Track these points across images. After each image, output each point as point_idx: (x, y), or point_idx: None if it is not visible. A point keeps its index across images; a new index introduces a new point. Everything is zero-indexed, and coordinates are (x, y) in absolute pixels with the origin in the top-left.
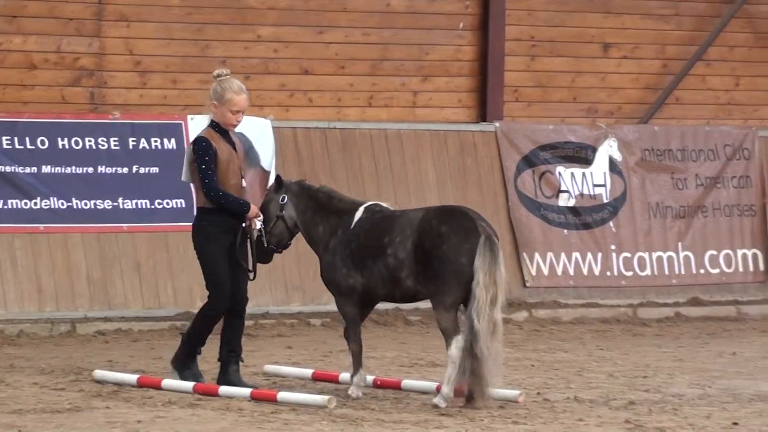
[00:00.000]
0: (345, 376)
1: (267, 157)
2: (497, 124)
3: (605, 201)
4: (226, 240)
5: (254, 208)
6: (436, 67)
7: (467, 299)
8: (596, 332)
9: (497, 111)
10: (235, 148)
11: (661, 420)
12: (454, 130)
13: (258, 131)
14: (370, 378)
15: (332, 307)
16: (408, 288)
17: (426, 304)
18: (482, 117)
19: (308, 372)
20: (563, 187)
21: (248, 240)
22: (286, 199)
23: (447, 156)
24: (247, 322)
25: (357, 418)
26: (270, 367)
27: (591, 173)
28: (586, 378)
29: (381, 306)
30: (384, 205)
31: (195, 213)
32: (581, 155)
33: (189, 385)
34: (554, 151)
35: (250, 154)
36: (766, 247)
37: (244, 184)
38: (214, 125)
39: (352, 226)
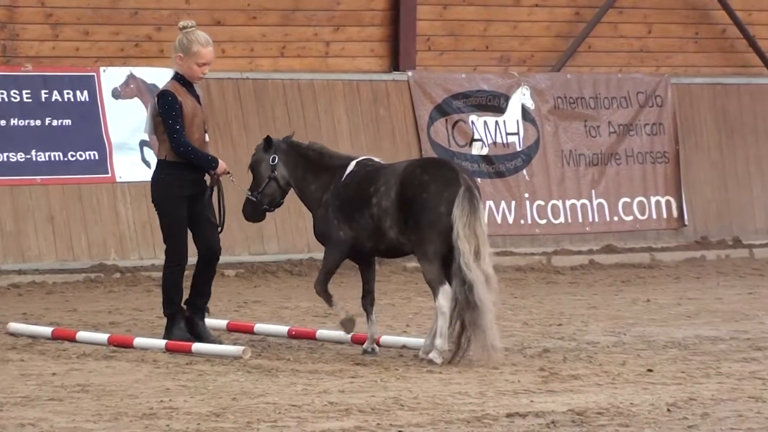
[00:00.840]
0: (262, 326)
1: None
2: (410, 73)
3: (518, 149)
4: (187, 193)
5: (222, 164)
6: (348, 16)
7: (450, 253)
8: (510, 280)
9: (410, 60)
10: (199, 102)
11: (575, 368)
12: (366, 80)
13: None
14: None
15: (246, 257)
16: (391, 240)
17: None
18: (395, 66)
19: (223, 323)
20: (476, 136)
21: (217, 193)
22: (276, 159)
23: (360, 106)
24: (161, 273)
25: (272, 369)
26: None
27: (504, 122)
28: (500, 326)
29: (295, 256)
30: (375, 159)
31: (156, 165)
32: (494, 104)
33: (103, 336)
34: (467, 99)
35: None
36: (679, 194)
37: (207, 138)
38: (178, 78)
39: (343, 179)
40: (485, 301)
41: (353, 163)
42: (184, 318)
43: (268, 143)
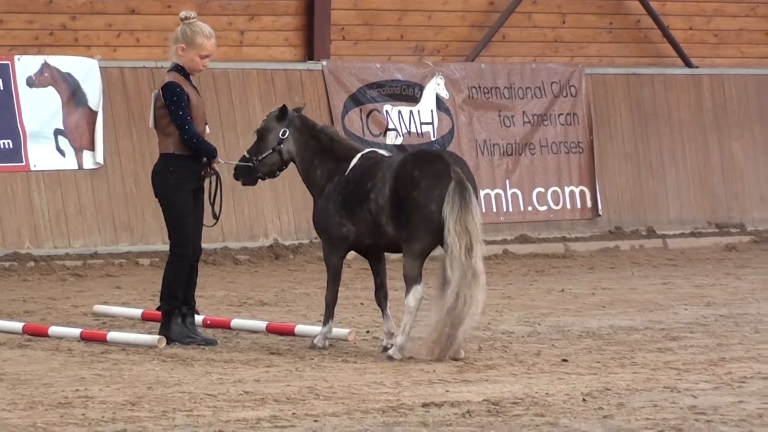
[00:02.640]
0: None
1: (94, 98)
2: (324, 62)
3: (433, 139)
4: (193, 186)
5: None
6: (262, 6)
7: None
8: (425, 270)
9: (324, 50)
10: (198, 93)
11: (490, 357)
12: (281, 69)
13: (85, 71)
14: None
15: (160, 246)
16: (390, 236)
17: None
18: (309, 56)
19: (137, 312)
20: (391, 125)
21: (217, 184)
22: (287, 133)
23: (274, 95)
24: (76, 263)
25: (187, 358)
26: (99, 308)
27: (418, 111)
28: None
29: (208, 245)
30: (380, 152)
31: (160, 159)
32: (408, 93)
33: (18, 325)
34: (381, 89)
35: (77, 94)
36: (593, 184)
37: (207, 130)
38: (179, 69)
39: (347, 172)
40: (453, 302)
41: (358, 156)
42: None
43: (283, 113)
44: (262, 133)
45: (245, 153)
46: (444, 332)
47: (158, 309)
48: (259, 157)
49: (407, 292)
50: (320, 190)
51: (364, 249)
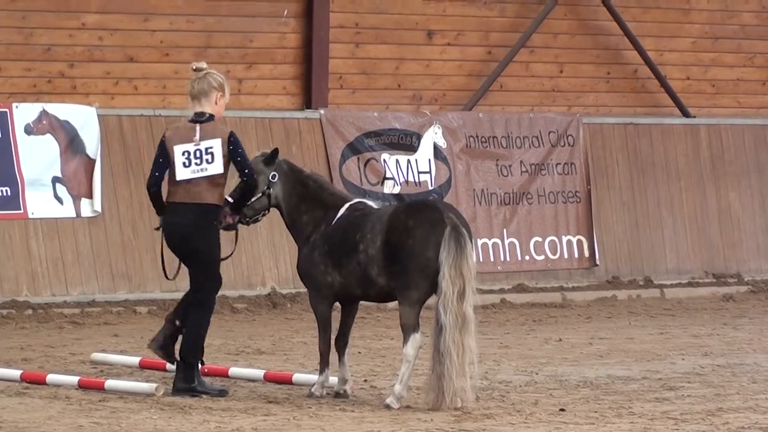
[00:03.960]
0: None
1: (92, 145)
2: (322, 111)
3: (430, 188)
4: None
5: None
6: (260, 54)
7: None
8: (422, 318)
9: (322, 98)
10: None
11: (488, 407)
12: (278, 117)
13: (83, 119)
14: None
15: (158, 294)
16: (381, 286)
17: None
18: (307, 104)
19: (135, 360)
20: (388, 174)
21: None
22: (276, 177)
23: (272, 143)
24: (74, 310)
25: (185, 406)
26: (97, 355)
27: (416, 160)
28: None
29: None
30: (368, 203)
31: (199, 210)
32: (406, 142)
33: (16, 373)
34: (379, 138)
35: (75, 141)
36: (591, 234)
37: None
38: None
39: (334, 222)
40: (451, 348)
41: (347, 205)
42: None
43: (273, 156)
44: (254, 178)
45: (228, 198)
46: (441, 380)
47: (181, 360)
48: (248, 202)
49: (405, 341)
50: (305, 238)
51: (353, 299)
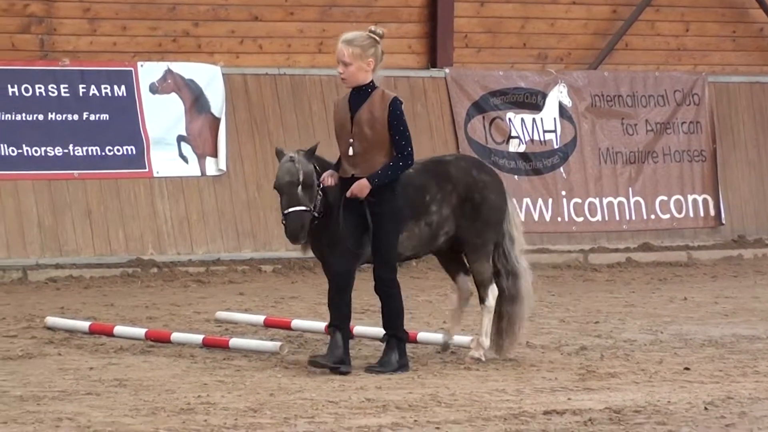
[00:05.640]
0: (299, 322)
1: (217, 104)
2: (447, 70)
3: (555, 147)
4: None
5: None
6: (385, 12)
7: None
8: (547, 278)
9: (447, 57)
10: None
11: (612, 365)
12: (404, 76)
13: (208, 78)
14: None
15: (283, 253)
16: (440, 245)
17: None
18: (432, 63)
19: (260, 318)
20: (513, 133)
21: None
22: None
23: None
24: (198, 269)
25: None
26: (222, 314)
27: (541, 119)
28: (537, 324)
29: None
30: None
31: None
32: (531, 101)
33: (141, 331)
34: (504, 97)
35: (200, 100)
36: (716, 193)
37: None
38: None
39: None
40: (529, 293)
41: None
42: None
43: (312, 152)
44: (309, 181)
45: (301, 208)
46: (514, 325)
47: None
48: (316, 202)
49: (486, 294)
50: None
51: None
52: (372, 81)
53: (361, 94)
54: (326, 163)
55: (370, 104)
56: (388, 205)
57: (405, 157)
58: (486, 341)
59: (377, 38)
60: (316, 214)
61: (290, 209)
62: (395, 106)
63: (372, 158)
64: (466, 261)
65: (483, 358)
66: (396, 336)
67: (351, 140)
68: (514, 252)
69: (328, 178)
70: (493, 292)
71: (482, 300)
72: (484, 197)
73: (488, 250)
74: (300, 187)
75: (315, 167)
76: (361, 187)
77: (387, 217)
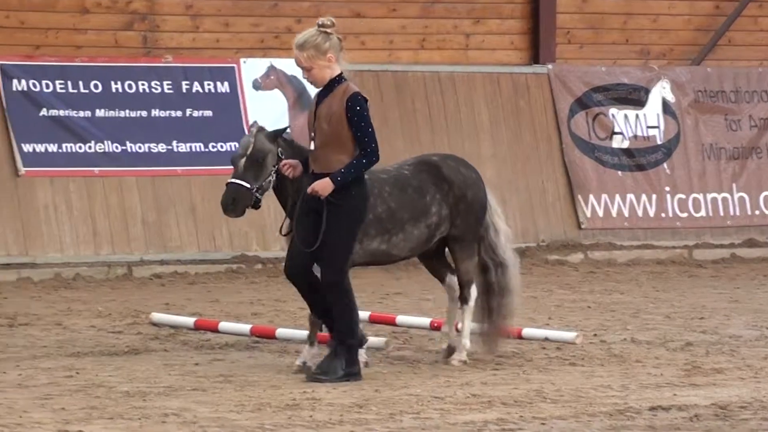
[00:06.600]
0: (403, 318)
1: None
2: (550, 66)
3: (659, 142)
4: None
5: None
6: (488, 8)
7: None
8: (652, 273)
9: (549, 53)
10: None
11: (718, 361)
12: (506, 72)
13: None
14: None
15: None
16: (430, 245)
17: None
18: (535, 59)
19: (365, 314)
20: (617, 129)
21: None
22: (282, 153)
23: (500, 98)
24: None
25: (414, 361)
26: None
27: (644, 115)
28: (642, 319)
29: None
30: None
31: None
32: (634, 97)
33: (246, 327)
34: (607, 92)
35: (303, 97)
36: None
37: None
38: None
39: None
40: (518, 285)
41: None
42: None
43: (277, 134)
44: (257, 157)
45: (240, 182)
46: (503, 320)
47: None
48: (262, 183)
49: (468, 294)
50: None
51: (388, 262)
52: (341, 74)
53: (327, 88)
54: (301, 152)
55: (330, 99)
56: (345, 203)
57: (368, 155)
58: (468, 342)
59: (328, 30)
60: (258, 196)
61: (229, 180)
62: (354, 101)
63: (328, 154)
64: (452, 260)
65: (467, 360)
66: (344, 343)
67: (313, 135)
68: (500, 243)
69: (287, 167)
70: (473, 292)
71: (465, 301)
72: (474, 194)
73: (475, 247)
74: (244, 161)
75: (279, 151)
76: (324, 186)
77: (342, 216)
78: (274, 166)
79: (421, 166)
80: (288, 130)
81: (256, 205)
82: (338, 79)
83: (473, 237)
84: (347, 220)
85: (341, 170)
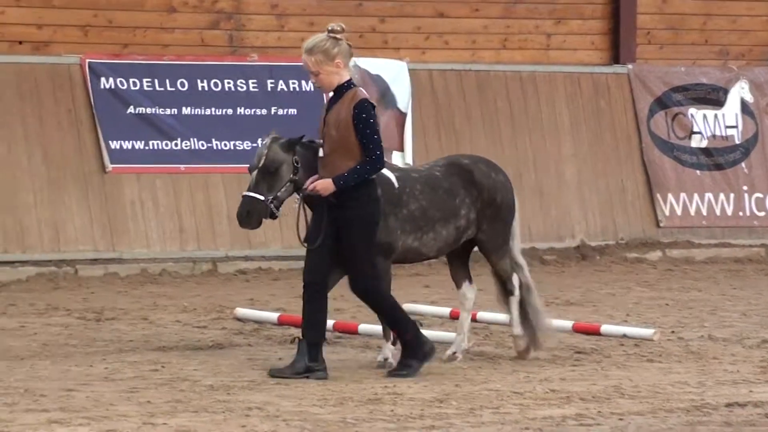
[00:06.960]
0: (484, 315)
1: (403, 100)
2: (630, 66)
3: (737, 142)
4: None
5: None
6: (569, 9)
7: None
8: (729, 271)
9: (630, 53)
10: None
11: None
12: (587, 72)
13: (394, 73)
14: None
15: None
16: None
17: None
18: (615, 59)
19: (446, 311)
20: (696, 129)
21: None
22: (299, 161)
23: (581, 98)
24: None
25: (494, 356)
26: (407, 306)
27: (723, 115)
28: (719, 317)
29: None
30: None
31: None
32: (713, 97)
33: (329, 323)
34: (686, 92)
35: (386, 95)
36: None
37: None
38: None
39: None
40: (533, 283)
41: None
42: None
43: (292, 143)
44: (270, 168)
45: (253, 194)
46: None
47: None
48: (277, 194)
49: (511, 287)
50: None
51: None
52: (350, 80)
53: (337, 94)
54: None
55: (339, 105)
56: (354, 212)
57: (372, 162)
58: (519, 330)
59: (338, 35)
60: (273, 207)
61: (244, 193)
62: (361, 108)
63: (336, 161)
64: (488, 262)
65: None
66: (405, 340)
67: (323, 141)
68: (516, 246)
69: (312, 188)
70: (516, 283)
71: (511, 292)
72: (503, 199)
73: (507, 247)
74: (256, 173)
75: (294, 159)
76: (324, 185)
77: (355, 225)
78: (293, 175)
79: (452, 168)
80: (304, 138)
81: (273, 215)
82: (347, 85)
83: (503, 240)
84: (360, 225)
85: (344, 174)
